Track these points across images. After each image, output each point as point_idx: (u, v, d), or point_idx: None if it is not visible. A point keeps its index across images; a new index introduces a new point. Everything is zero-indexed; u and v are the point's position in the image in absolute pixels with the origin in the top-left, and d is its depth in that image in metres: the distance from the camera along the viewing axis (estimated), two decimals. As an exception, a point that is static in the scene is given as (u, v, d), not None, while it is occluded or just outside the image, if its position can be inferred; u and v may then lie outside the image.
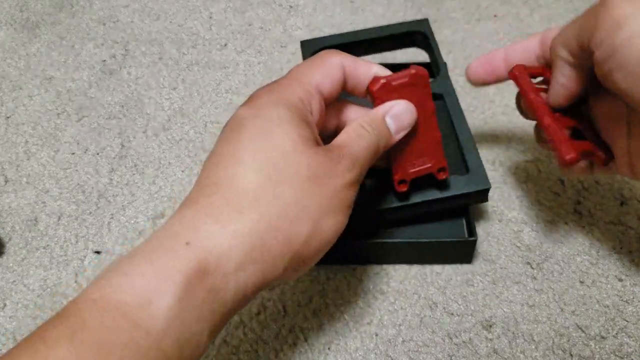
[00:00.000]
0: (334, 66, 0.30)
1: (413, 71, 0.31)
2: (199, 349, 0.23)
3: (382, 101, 0.31)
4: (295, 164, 0.26)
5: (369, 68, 0.31)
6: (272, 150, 0.26)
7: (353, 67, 0.30)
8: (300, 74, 0.29)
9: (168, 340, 0.22)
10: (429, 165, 0.34)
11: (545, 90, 0.34)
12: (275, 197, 0.25)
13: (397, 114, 0.30)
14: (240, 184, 0.25)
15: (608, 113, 0.33)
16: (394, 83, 0.30)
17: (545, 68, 0.35)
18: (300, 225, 0.25)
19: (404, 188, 0.34)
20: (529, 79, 0.34)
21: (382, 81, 0.30)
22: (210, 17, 0.59)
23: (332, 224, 0.27)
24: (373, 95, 0.31)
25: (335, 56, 0.30)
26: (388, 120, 0.30)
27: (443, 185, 0.36)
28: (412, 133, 0.32)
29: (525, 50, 0.35)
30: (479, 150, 0.39)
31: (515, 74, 0.35)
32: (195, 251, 0.23)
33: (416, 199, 0.36)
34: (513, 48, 0.36)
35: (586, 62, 0.30)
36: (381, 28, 0.45)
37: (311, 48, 0.44)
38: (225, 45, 0.57)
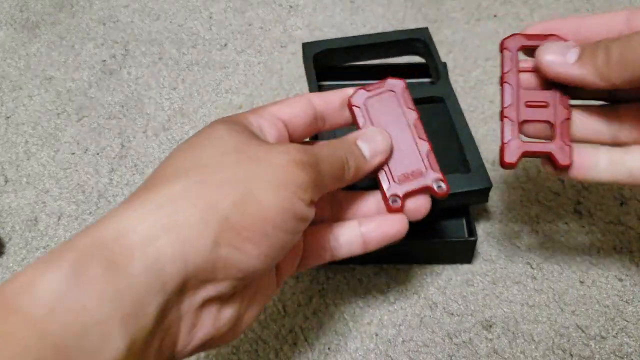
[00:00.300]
0: (299, 97, 0.30)
1: (390, 80, 0.31)
2: (109, 342, 0.19)
3: (360, 113, 0.30)
4: (222, 143, 0.25)
5: (343, 91, 0.31)
6: (200, 142, 0.26)
7: (323, 97, 0.30)
8: (258, 107, 0.29)
9: (55, 324, 0.19)
10: (423, 179, 0.30)
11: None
12: (195, 167, 0.24)
13: (369, 137, 0.29)
14: (164, 172, 0.24)
15: None
16: (370, 92, 0.30)
17: (553, 38, 0.30)
18: (224, 190, 0.23)
19: (397, 207, 0.30)
20: (516, 57, 0.30)
21: (359, 90, 0.30)
22: (210, 17, 0.59)
23: (270, 195, 0.23)
24: (350, 106, 0.30)
25: (302, 94, 0.30)
26: (360, 143, 0.29)
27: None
28: (396, 146, 0.30)
29: (607, 25, 0.30)
30: (479, 150, 0.39)
31: (504, 45, 0.31)
32: (91, 231, 0.21)
33: None
34: (590, 21, 0.30)
35: None
36: (382, 34, 0.45)
37: (312, 50, 0.44)
38: (225, 45, 0.57)
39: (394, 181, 0.30)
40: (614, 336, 0.36)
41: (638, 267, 0.39)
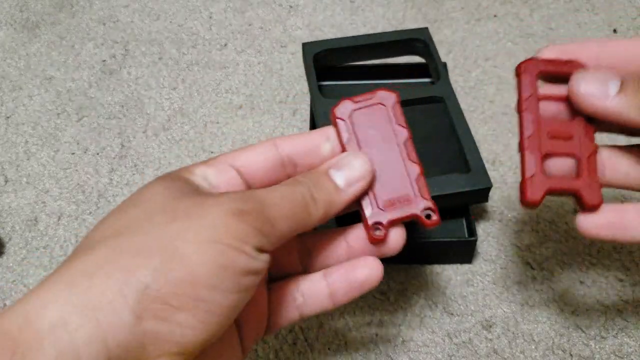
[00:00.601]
0: (262, 142, 0.27)
1: (381, 92, 0.28)
2: None
3: (345, 127, 0.27)
4: (150, 203, 0.23)
5: (311, 134, 0.27)
6: (129, 204, 0.23)
7: (291, 139, 0.27)
8: (213, 156, 0.27)
9: None
10: (411, 207, 0.27)
11: (562, 99, 0.27)
12: (116, 234, 0.21)
13: (344, 164, 0.26)
14: (85, 242, 0.22)
15: None
16: (357, 103, 0.27)
17: (574, 64, 0.27)
18: (144, 255, 0.20)
19: (380, 237, 0.27)
20: (535, 82, 0.27)
21: (345, 101, 0.27)
22: (210, 17, 0.59)
23: (199, 253, 0.21)
24: (334, 118, 0.27)
25: (268, 139, 0.27)
26: (333, 172, 0.26)
27: (446, 183, 0.36)
28: (382, 168, 0.27)
29: (631, 52, 0.26)
30: (479, 150, 0.39)
31: (520, 70, 0.28)
32: None
33: None
34: (612, 47, 0.27)
35: None
36: (382, 34, 0.45)
37: (312, 50, 0.44)
38: (225, 45, 0.57)
39: (378, 207, 0.27)
40: (614, 336, 0.36)
41: (638, 267, 0.39)
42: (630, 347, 0.36)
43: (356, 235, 0.28)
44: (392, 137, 0.27)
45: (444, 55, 0.53)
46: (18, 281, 0.41)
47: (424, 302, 0.39)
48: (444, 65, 0.45)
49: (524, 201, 0.27)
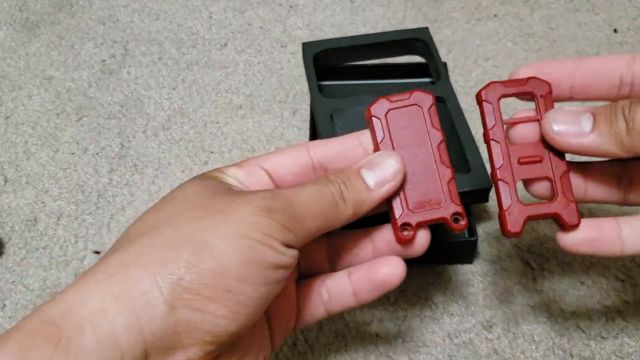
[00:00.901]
0: (295, 145, 0.28)
1: (418, 92, 0.27)
2: None
3: (380, 126, 0.27)
4: (183, 201, 0.24)
5: (345, 139, 0.28)
6: (164, 202, 0.25)
7: (323, 144, 0.28)
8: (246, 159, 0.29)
9: None
10: (440, 210, 0.27)
11: (533, 120, 0.27)
12: (151, 229, 0.23)
13: (377, 163, 0.26)
14: (122, 239, 0.23)
15: None
16: (393, 103, 0.27)
17: (534, 83, 0.27)
18: (177, 248, 0.22)
19: (408, 237, 0.27)
20: (498, 108, 0.27)
21: (381, 100, 0.27)
22: (210, 17, 0.59)
23: (228, 247, 0.22)
24: (369, 116, 0.27)
25: (302, 143, 0.29)
26: (364, 172, 0.26)
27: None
28: (415, 169, 0.27)
29: (606, 71, 0.26)
30: (479, 151, 0.39)
31: (482, 98, 0.27)
32: (40, 310, 0.20)
33: None
34: (587, 65, 0.27)
35: None
36: (382, 34, 0.45)
37: (312, 50, 0.44)
38: (225, 45, 0.57)
39: (408, 208, 0.27)
40: (614, 336, 0.36)
41: (638, 267, 0.39)
42: (631, 348, 0.36)
43: (382, 236, 0.28)
44: (426, 139, 0.27)
45: (444, 55, 0.53)
46: (18, 281, 0.41)
47: (424, 302, 0.39)
48: (444, 65, 0.45)
49: (505, 233, 0.27)
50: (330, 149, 0.28)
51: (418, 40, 0.44)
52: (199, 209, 0.23)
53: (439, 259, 0.40)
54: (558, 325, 0.37)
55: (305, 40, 0.50)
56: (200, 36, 0.57)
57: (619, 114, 0.24)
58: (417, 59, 0.47)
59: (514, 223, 0.27)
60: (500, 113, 0.27)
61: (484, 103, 0.27)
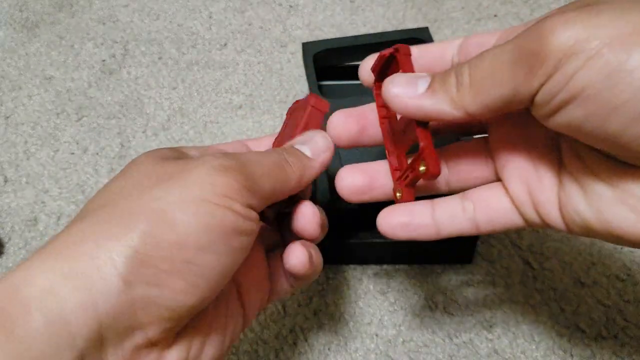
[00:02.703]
0: (234, 141, 0.30)
1: (311, 96, 0.30)
2: None
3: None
4: (136, 172, 0.23)
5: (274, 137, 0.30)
6: (118, 176, 0.24)
7: (257, 141, 0.30)
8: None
9: None
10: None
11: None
12: (104, 204, 0.22)
13: (306, 140, 0.27)
14: (75, 217, 0.23)
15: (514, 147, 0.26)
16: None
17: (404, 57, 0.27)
18: (131, 220, 0.20)
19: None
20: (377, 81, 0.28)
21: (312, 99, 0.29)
22: (210, 17, 0.59)
23: (186, 215, 0.21)
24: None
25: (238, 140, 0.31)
26: (298, 146, 0.27)
27: None
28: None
29: (441, 53, 0.28)
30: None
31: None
32: None
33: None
34: (428, 49, 0.29)
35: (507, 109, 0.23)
36: (382, 34, 0.45)
37: (312, 50, 0.44)
38: (225, 45, 0.57)
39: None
40: (614, 336, 0.36)
41: (638, 267, 0.39)
42: (632, 348, 0.36)
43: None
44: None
45: (444, 55, 0.53)
46: (17, 281, 0.41)
47: (424, 302, 0.39)
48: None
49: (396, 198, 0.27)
50: (262, 146, 0.30)
51: (418, 40, 0.45)
52: (152, 177, 0.22)
53: (439, 259, 0.40)
54: (558, 326, 0.37)
55: (305, 40, 0.50)
56: (200, 36, 0.57)
57: (451, 73, 0.24)
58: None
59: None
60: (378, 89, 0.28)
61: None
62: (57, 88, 0.53)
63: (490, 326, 0.37)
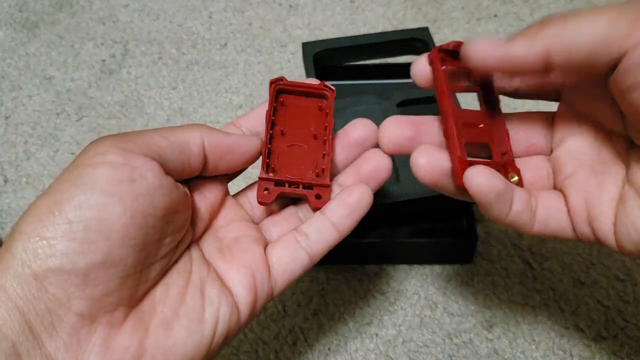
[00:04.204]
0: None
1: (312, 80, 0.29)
2: None
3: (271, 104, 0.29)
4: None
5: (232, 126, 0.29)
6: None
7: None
8: None
9: None
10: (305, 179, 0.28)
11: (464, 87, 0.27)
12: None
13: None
14: None
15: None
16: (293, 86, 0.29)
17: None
18: (41, 219, 0.21)
19: (268, 197, 0.28)
20: (445, 71, 0.27)
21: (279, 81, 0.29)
22: (210, 17, 0.59)
23: (62, 179, 0.22)
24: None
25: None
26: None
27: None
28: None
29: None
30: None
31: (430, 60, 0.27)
32: None
33: (414, 195, 0.36)
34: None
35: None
36: (382, 34, 0.45)
37: (312, 50, 0.44)
38: (225, 44, 0.57)
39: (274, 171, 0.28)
40: (614, 336, 0.36)
41: (638, 267, 0.39)
42: (631, 348, 0.36)
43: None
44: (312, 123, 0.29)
45: (444, 55, 0.53)
46: (17, 281, 0.41)
47: (424, 302, 0.39)
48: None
49: (458, 185, 0.26)
50: (253, 118, 0.29)
51: (418, 40, 0.45)
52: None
53: (439, 258, 0.40)
54: (558, 325, 0.37)
55: (305, 40, 0.50)
56: (200, 36, 0.57)
57: (534, 24, 0.23)
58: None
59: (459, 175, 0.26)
60: (446, 77, 0.27)
61: (433, 65, 0.27)
62: (57, 88, 0.53)
63: (490, 326, 0.37)
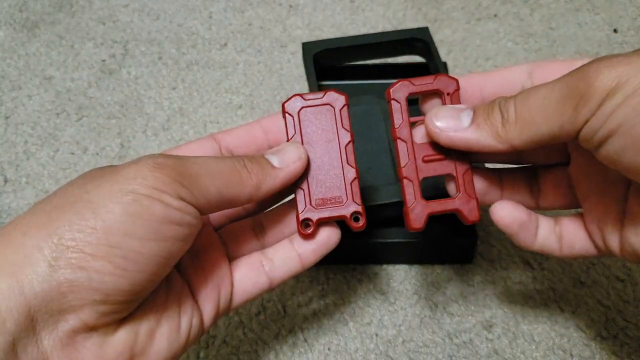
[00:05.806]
0: (200, 139, 0.30)
1: (332, 93, 0.29)
2: None
3: (292, 123, 0.28)
4: (78, 178, 0.24)
5: (252, 125, 0.30)
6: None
7: (231, 132, 0.30)
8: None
9: None
10: (341, 209, 0.28)
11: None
12: (40, 202, 0.23)
13: (279, 150, 0.28)
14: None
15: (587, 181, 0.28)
16: (307, 101, 0.28)
17: (442, 79, 0.28)
18: (58, 211, 0.22)
19: (308, 232, 0.28)
20: (406, 107, 0.28)
21: (296, 97, 0.29)
22: (210, 17, 0.59)
23: (111, 203, 0.22)
24: (283, 112, 0.29)
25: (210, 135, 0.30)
26: (269, 156, 0.28)
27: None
28: (321, 168, 0.28)
29: (509, 81, 0.28)
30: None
31: (390, 96, 0.28)
32: None
33: None
34: (493, 78, 0.29)
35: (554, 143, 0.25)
36: (382, 34, 0.45)
37: (312, 50, 0.44)
38: (225, 44, 0.57)
39: (311, 204, 0.28)
40: (614, 336, 0.36)
41: (638, 267, 0.39)
42: (631, 348, 0.36)
43: None
44: (334, 139, 0.29)
45: (444, 55, 0.53)
46: (17, 281, 0.41)
47: (424, 302, 0.39)
48: (444, 65, 0.45)
49: (409, 228, 0.28)
50: (237, 136, 0.30)
51: (418, 40, 0.44)
52: (89, 177, 0.24)
53: (439, 259, 0.40)
54: (558, 325, 0.37)
55: (305, 40, 0.50)
56: (200, 36, 0.57)
57: (495, 108, 0.25)
58: (417, 59, 0.47)
59: (417, 220, 0.28)
60: (408, 112, 0.28)
61: (392, 102, 0.28)
62: (57, 88, 0.53)
63: (490, 326, 0.37)
